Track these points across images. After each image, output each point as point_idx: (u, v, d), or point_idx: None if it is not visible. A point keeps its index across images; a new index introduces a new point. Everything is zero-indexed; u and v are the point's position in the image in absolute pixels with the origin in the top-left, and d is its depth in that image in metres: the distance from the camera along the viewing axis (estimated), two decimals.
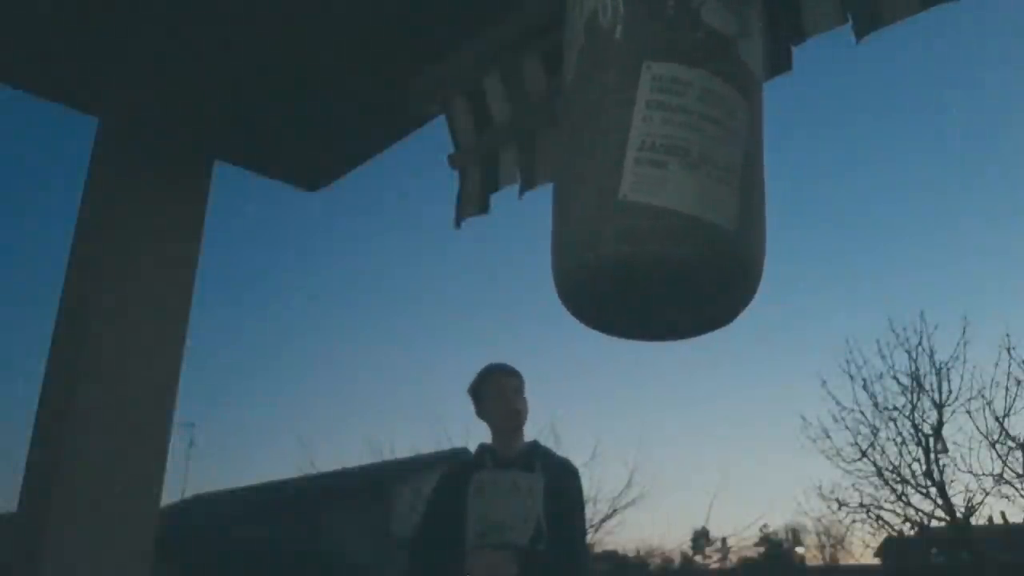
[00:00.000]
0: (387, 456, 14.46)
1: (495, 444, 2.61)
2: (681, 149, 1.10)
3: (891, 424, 12.12)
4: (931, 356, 11.89)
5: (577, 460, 2.79)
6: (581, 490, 2.70)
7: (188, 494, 17.01)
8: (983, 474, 11.51)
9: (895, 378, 12.13)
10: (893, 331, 12.33)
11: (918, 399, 11.94)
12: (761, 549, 26.26)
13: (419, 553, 2.63)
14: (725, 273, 1.13)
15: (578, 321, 1.24)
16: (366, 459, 15.18)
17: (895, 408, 12.08)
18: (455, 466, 2.81)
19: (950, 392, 11.71)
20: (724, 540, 23.87)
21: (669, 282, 1.11)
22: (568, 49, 1.30)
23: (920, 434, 11.92)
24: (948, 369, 11.75)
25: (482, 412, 2.67)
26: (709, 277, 1.12)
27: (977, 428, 12.04)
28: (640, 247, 1.08)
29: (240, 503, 15.54)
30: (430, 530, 2.59)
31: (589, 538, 13.29)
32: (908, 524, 12.60)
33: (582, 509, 2.72)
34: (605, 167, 1.12)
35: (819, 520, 19.14)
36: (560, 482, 2.55)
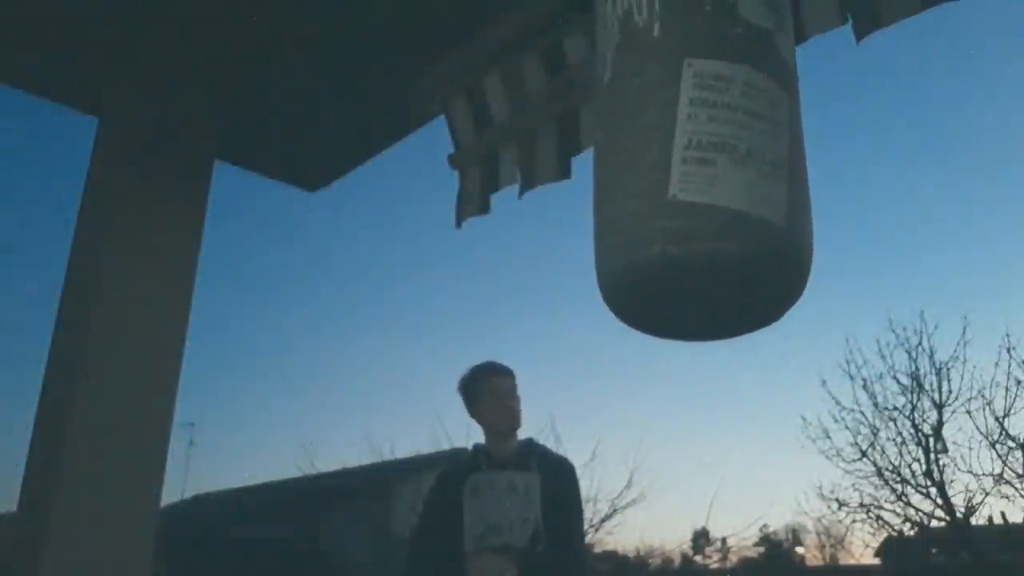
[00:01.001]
0: (387, 456, 14.45)
1: (489, 444, 2.59)
2: (729, 146, 1.08)
3: (891, 424, 12.12)
4: (931, 356, 11.90)
5: (577, 460, 2.79)
6: (579, 488, 2.68)
7: (188, 494, 17.02)
8: (983, 474, 11.52)
9: (895, 378, 12.14)
10: (893, 331, 12.35)
11: (918, 399, 11.94)
12: (761, 549, 26.28)
13: (418, 556, 2.62)
14: (777, 269, 1.12)
15: (621, 322, 1.22)
16: (366, 459, 15.17)
17: (895, 408, 12.09)
18: (450, 468, 2.79)
19: (950, 392, 11.72)
20: (724, 540, 23.87)
21: (721, 281, 1.10)
22: (602, 47, 1.28)
23: (920, 434, 11.92)
24: (948, 369, 11.75)
25: (475, 412, 2.64)
26: (761, 274, 1.10)
27: (977, 428, 12.07)
28: (692, 246, 1.07)
29: (240, 503, 15.53)
30: (428, 533, 2.58)
31: (589, 538, 13.30)
32: (908, 524, 12.61)
33: (580, 508, 2.71)
34: (650, 167, 1.11)
35: (819, 520, 19.19)
36: (557, 481, 2.53)
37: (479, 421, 2.64)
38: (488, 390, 2.62)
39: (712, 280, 1.10)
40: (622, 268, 1.14)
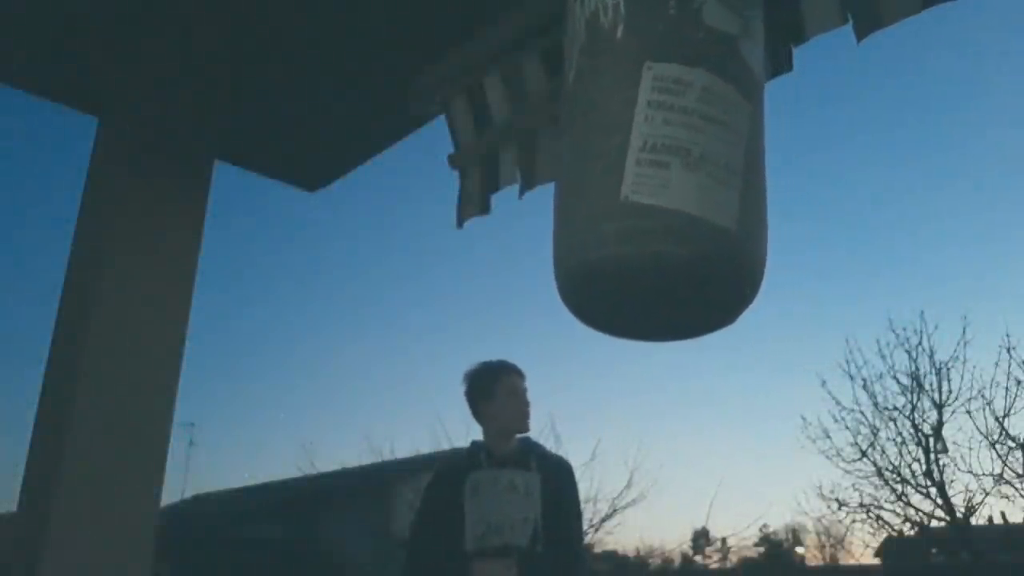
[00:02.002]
0: (387, 456, 14.43)
1: (491, 442, 2.57)
2: (682, 150, 1.09)
3: (891, 424, 12.11)
4: (931, 356, 11.87)
5: (577, 460, 2.79)
6: (577, 488, 2.68)
7: (188, 494, 17.02)
8: (983, 474, 11.49)
9: (895, 378, 12.12)
10: (893, 331, 12.31)
11: (918, 399, 11.93)
12: (761, 549, 26.27)
13: (417, 555, 2.61)
14: (727, 274, 1.13)
15: (579, 321, 1.24)
16: (366, 459, 15.15)
17: (895, 408, 12.07)
18: (447, 465, 2.78)
19: (950, 392, 11.70)
20: (724, 540, 23.87)
21: (670, 283, 1.11)
22: (569, 48, 1.30)
23: (920, 434, 11.90)
24: (948, 369, 11.73)
25: (486, 409, 2.58)
26: (711, 278, 1.12)
27: (977, 428, 12.03)
28: (642, 247, 1.08)
29: (240, 503, 15.52)
30: (427, 532, 2.57)
31: (589, 538, 13.29)
32: (908, 524, 12.59)
33: (579, 508, 2.71)
34: (606, 167, 1.12)
35: (819, 520, 19.12)
36: (557, 481, 2.53)
37: (488, 418, 2.58)
38: (505, 389, 2.58)
39: (662, 281, 1.11)
40: (576, 267, 1.16)
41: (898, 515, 12.45)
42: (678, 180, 1.08)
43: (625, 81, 1.15)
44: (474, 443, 2.62)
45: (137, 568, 2.23)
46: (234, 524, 13.68)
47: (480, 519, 2.40)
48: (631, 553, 20.97)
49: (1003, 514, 13.36)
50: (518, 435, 2.60)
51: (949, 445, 11.73)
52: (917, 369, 11.93)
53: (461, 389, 2.68)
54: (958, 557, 12.96)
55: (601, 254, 1.11)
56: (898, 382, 12.10)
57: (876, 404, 12.18)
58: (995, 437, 11.25)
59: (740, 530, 31.39)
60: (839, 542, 23.85)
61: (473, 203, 2.07)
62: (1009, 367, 11.26)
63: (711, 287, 1.14)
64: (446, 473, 2.66)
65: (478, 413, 2.61)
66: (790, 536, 27.37)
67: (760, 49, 1.26)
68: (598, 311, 1.23)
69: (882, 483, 12.28)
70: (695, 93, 1.12)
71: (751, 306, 1.20)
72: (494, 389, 2.58)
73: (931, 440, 11.80)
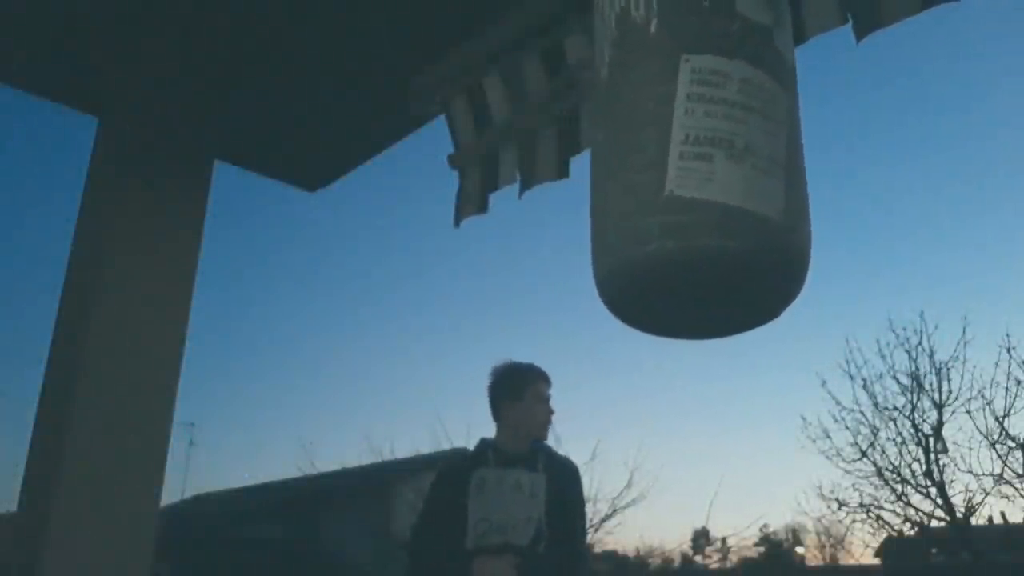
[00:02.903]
0: (387, 456, 14.43)
1: (502, 441, 2.57)
2: (726, 141, 1.08)
3: (891, 424, 12.11)
4: (931, 356, 11.87)
5: (577, 460, 2.78)
6: (582, 489, 2.69)
7: (188, 494, 17.01)
8: (983, 474, 11.49)
9: (895, 378, 12.12)
10: (893, 331, 12.31)
11: (918, 399, 11.93)
12: (761, 549, 26.27)
13: (419, 552, 2.61)
14: (775, 266, 1.11)
15: (618, 319, 1.21)
16: (366, 459, 15.15)
17: (895, 408, 12.07)
18: (452, 464, 2.78)
19: (950, 392, 11.70)
20: (724, 540, 23.86)
21: (718, 277, 1.09)
22: (599, 43, 1.28)
23: (920, 434, 11.90)
24: (948, 369, 11.73)
25: (512, 411, 2.57)
26: (759, 270, 1.09)
27: (977, 428, 12.02)
28: (689, 242, 1.06)
29: (240, 503, 15.52)
30: (430, 528, 2.57)
31: (589, 538, 13.29)
32: (908, 524, 12.59)
33: (583, 509, 2.71)
34: (647, 162, 1.10)
35: (819, 520, 19.13)
36: (561, 482, 2.53)
37: (508, 419, 2.58)
38: (534, 394, 2.59)
39: (709, 276, 1.09)
40: (618, 264, 1.13)
41: (898, 515, 12.47)
42: (723, 172, 1.07)
43: (662, 75, 1.13)
44: (482, 440, 2.62)
45: (137, 568, 2.23)
46: (234, 524, 13.68)
47: (483, 517, 2.40)
48: (631, 553, 20.98)
49: (1003, 514, 13.35)
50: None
51: (949, 445, 11.73)
52: (917, 369, 11.94)
53: (486, 382, 2.67)
54: (958, 557, 12.96)
55: (646, 250, 1.08)
56: (898, 382, 12.10)
57: (876, 404, 12.19)
58: (995, 437, 11.26)
59: (740, 530, 31.38)
60: (839, 542, 23.86)
61: (472, 202, 2.07)
62: (1009, 367, 11.26)
63: (758, 280, 1.11)
64: (450, 471, 2.67)
65: (498, 411, 2.61)
66: (790, 536, 27.38)
67: (791, 39, 1.24)
68: (639, 309, 1.20)
69: (882, 483, 12.29)
70: (735, 84, 1.11)
71: (796, 300, 1.17)
72: (523, 392, 2.58)
73: (931, 440, 11.80)
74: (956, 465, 11.77)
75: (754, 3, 1.16)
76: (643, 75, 1.16)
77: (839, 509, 12.91)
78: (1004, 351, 11.18)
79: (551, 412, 2.61)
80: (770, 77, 1.14)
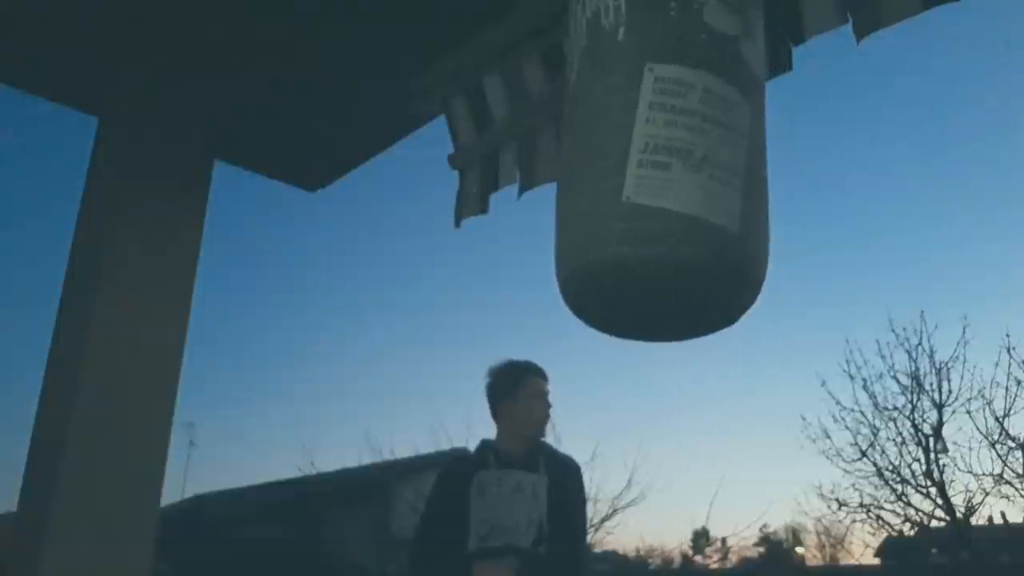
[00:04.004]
0: (387, 456, 14.42)
1: (501, 443, 2.55)
2: (684, 151, 1.09)
3: (891, 424, 12.08)
4: (931, 356, 11.85)
5: (577, 460, 2.76)
6: (583, 487, 2.67)
7: (188, 494, 17.01)
8: (983, 474, 11.47)
9: (895, 378, 12.08)
10: (893, 331, 12.28)
11: (918, 399, 11.90)
12: (761, 549, 26.27)
13: (420, 555, 2.60)
14: (728, 275, 1.13)
15: (581, 321, 1.24)
16: (366, 459, 15.14)
17: (895, 408, 12.05)
18: (453, 466, 2.77)
19: (950, 392, 11.67)
20: (724, 540, 23.84)
21: (672, 284, 1.11)
22: (570, 49, 1.29)
23: (920, 434, 11.88)
24: (948, 369, 11.70)
25: (507, 408, 2.55)
26: (712, 279, 1.12)
27: (977, 428, 12.00)
28: (643, 249, 1.08)
29: (240, 503, 15.52)
30: (431, 531, 2.56)
31: (589, 538, 13.28)
32: (908, 524, 12.58)
33: (584, 506, 2.70)
34: (608, 168, 1.12)
35: (819, 520, 19.09)
36: (563, 481, 2.52)
37: (505, 418, 2.56)
38: (528, 391, 2.56)
39: (663, 282, 1.11)
40: (578, 267, 1.16)
41: (898, 515, 12.44)
42: (680, 181, 1.08)
43: (627, 82, 1.14)
44: (483, 442, 2.61)
45: (137, 568, 2.23)
46: (234, 524, 13.68)
47: (484, 519, 2.39)
48: (631, 553, 20.96)
49: (1003, 514, 13.33)
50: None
51: (949, 445, 11.71)
52: (917, 369, 11.91)
53: (483, 383, 2.65)
54: (958, 557, 12.95)
55: (603, 254, 1.11)
56: (898, 382, 12.08)
57: (876, 404, 12.16)
58: (995, 437, 11.24)
59: (740, 530, 31.33)
60: (839, 542, 23.83)
61: (472, 203, 2.07)
62: (1009, 367, 11.22)
63: (713, 288, 1.13)
64: (451, 474, 2.65)
65: (496, 411, 2.59)
66: (790, 536, 27.37)
67: (761, 49, 1.26)
68: (599, 311, 1.23)
69: (882, 483, 12.27)
70: (697, 94, 1.12)
71: (753, 307, 1.20)
72: (516, 391, 2.56)
73: (931, 440, 11.79)
74: (956, 465, 11.76)
75: (721, 14, 1.17)
76: (609, 82, 1.17)
77: (839, 509, 12.89)
78: (1004, 351, 11.16)
79: (548, 407, 2.58)
80: (734, 88, 1.15)
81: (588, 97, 1.21)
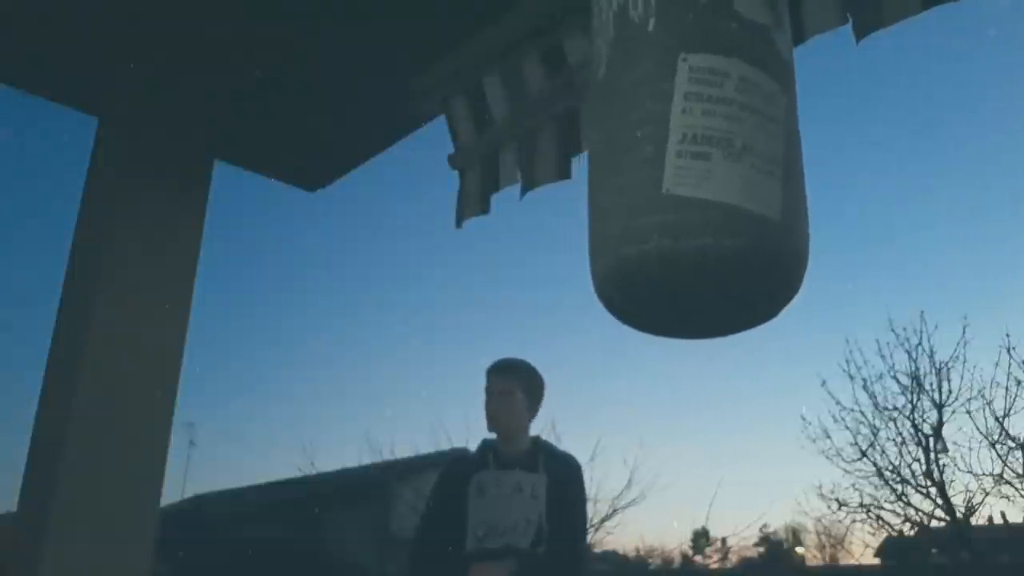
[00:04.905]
0: (387, 456, 14.42)
1: (498, 442, 2.57)
2: (723, 140, 1.07)
3: (891, 424, 12.09)
4: (931, 356, 11.85)
5: (577, 459, 2.76)
6: (583, 486, 2.67)
7: (188, 494, 17.01)
8: (983, 474, 11.47)
9: (895, 378, 12.08)
10: (893, 331, 12.28)
11: (918, 399, 11.91)
12: (761, 549, 26.28)
13: (420, 555, 2.61)
14: (772, 265, 1.10)
15: (615, 318, 1.20)
16: (366, 459, 15.15)
17: (895, 408, 12.05)
18: (454, 466, 2.77)
19: (950, 392, 11.67)
20: (724, 540, 23.85)
21: (715, 277, 1.08)
22: (596, 42, 1.27)
23: (920, 434, 11.89)
24: (948, 369, 11.70)
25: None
26: (756, 270, 1.09)
27: (977, 428, 12.01)
28: (685, 241, 1.06)
29: (240, 503, 15.52)
30: (431, 532, 2.56)
31: (589, 538, 13.28)
32: (908, 524, 12.58)
33: (584, 505, 2.70)
34: (644, 160, 1.10)
35: (819, 520, 19.11)
36: (563, 479, 2.52)
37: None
38: (486, 390, 2.60)
39: (706, 276, 1.08)
40: (616, 264, 1.13)
41: (898, 515, 12.45)
42: (720, 171, 1.06)
43: (659, 73, 1.12)
44: (483, 442, 2.61)
45: (137, 568, 2.23)
46: (234, 524, 13.68)
47: (483, 520, 2.39)
48: (631, 553, 20.96)
49: (1003, 514, 13.33)
50: (530, 435, 2.59)
51: (949, 445, 11.71)
52: (917, 369, 11.91)
53: None
54: (958, 557, 12.95)
55: (642, 248, 1.08)
56: (898, 382, 12.08)
57: (876, 404, 12.17)
58: (995, 437, 11.24)
59: (740, 530, 31.39)
60: (839, 542, 23.83)
61: (473, 203, 2.07)
62: (1009, 367, 11.23)
63: (755, 280, 1.11)
64: (451, 474, 2.66)
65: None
66: (790, 536, 27.38)
67: (789, 40, 1.24)
68: (637, 308, 1.19)
69: (882, 483, 12.27)
70: (733, 83, 1.10)
71: (796, 299, 1.17)
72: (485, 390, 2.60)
73: (931, 440, 11.79)
74: (956, 465, 11.77)
75: (752, 2, 1.16)
76: (640, 73, 1.15)
77: (839, 509, 12.90)
78: (1004, 351, 11.16)
79: (487, 405, 2.58)
80: (769, 76, 1.13)
81: (619, 89, 1.18)
